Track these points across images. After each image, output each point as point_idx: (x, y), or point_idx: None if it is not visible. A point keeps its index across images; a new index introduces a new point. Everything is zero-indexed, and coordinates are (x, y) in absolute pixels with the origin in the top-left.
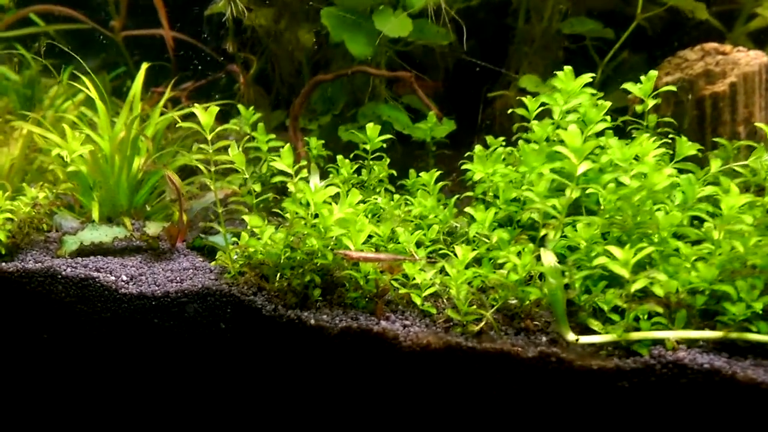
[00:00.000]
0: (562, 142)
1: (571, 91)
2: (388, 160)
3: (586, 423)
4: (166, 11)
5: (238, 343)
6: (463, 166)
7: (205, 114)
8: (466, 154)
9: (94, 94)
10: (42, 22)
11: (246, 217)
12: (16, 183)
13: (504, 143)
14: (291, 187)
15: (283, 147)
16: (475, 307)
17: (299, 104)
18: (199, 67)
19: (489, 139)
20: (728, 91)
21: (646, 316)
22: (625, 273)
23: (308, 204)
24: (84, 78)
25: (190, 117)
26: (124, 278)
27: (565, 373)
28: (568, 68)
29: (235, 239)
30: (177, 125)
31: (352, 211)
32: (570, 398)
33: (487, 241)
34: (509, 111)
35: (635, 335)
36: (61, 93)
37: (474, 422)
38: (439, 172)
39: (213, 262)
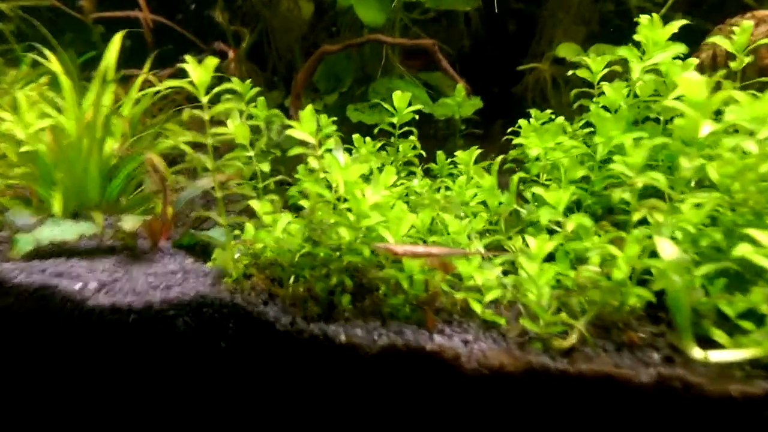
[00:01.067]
0: (640, 107)
1: (658, 42)
2: (416, 134)
3: None
4: None
5: (245, 368)
6: (515, 141)
7: (200, 69)
8: (509, 130)
9: (57, 68)
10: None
11: (254, 204)
12: None
13: (552, 116)
14: (313, 163)
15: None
16: (563, 314)
17: (302, 80)
18: (183, 45)
19: (534, 112)
20: None
21: None
22: None
23: (333, 186)
24: (49, 54)
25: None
26: (93, 286)
27: (692, 402)
28: (654, 15)
29: (238, 232)
30: (158, 102)
31: (389, 194)
32: None
33: (558, 229)
34: (570, 73)
35: None
36: (21, 77)
37: None
38: (479, 151)
39: (209, 263)
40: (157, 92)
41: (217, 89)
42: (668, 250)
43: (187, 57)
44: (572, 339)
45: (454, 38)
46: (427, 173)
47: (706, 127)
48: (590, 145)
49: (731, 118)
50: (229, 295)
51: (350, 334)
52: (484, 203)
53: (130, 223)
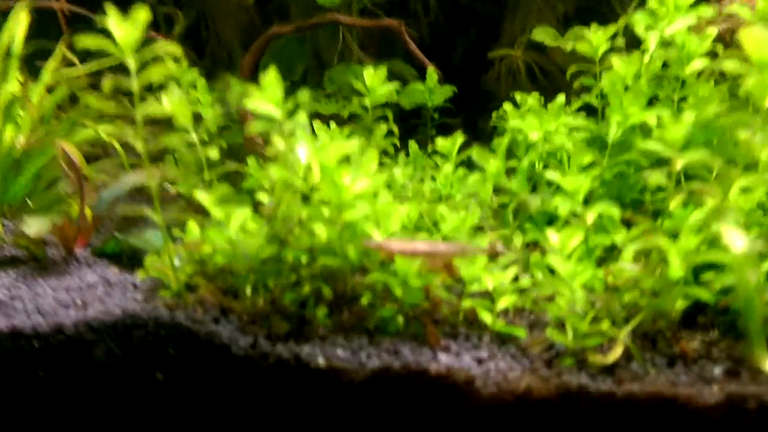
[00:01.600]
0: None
1: (680, 5)
2: (391, 117)
3: None
4: None
5: (190, 406)
6: (511, 124)
7: (126, 25)
8: (494, 115)
9: None
10: None
11: (199, 194)
12: None
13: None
14: (278, 143)
15: None
16: (606, 323)
17: (248, 65)
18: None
19: (519, 95)
20: None
21: None
22: None
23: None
24: None
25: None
26: None
27: None
28: None
29: (179, 233)
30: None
31: (373, 183)
32: None
33: (575, 221)
34: (571, 48)
35: None
36: None
37: None
38: (462, 138)
39: (140, 273)
40: (78, 78)
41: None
42: (738, 241)
43: (109, 8)
44: (616, 353)
45: (412, 24)
46: None
47: None
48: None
49: None
50: (168, 313)
51: (331, 356)
52: (473, 195)
53: (35, 226)
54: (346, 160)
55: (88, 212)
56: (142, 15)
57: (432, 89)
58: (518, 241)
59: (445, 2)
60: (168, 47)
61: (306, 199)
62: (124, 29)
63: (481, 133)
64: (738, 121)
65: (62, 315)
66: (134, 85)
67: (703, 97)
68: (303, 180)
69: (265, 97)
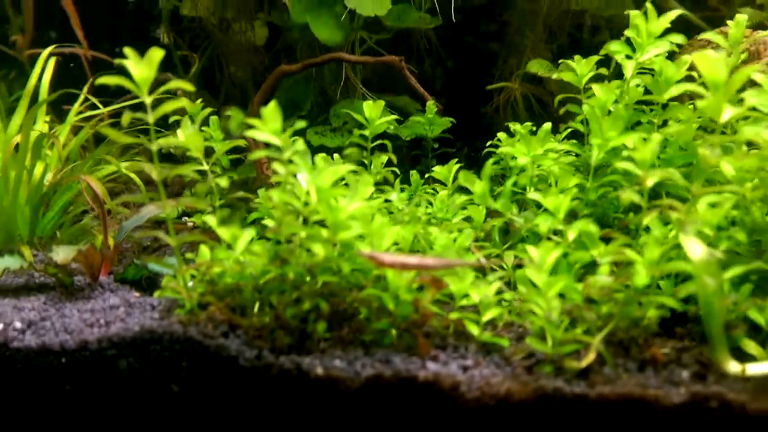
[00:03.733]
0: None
1: (653, 33)
2: (390, 147)
3: None
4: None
5: (202, 414)
6: (499, 151)
7: (142, 63)
8: (488, 143)
9: None
10: None
11: (208, 218)
12: None
13: (533, 128)
14: (279, 169)
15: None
16: (578, 330)
17: (259, 103)
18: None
19: (513, 125)
20: None
21: None
22: None
23: (300, 197)
24: None
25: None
26: (18, 325)
27: (733, 422)
28: (648, 4)
29: (191, 256)
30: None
31: (367, 205)
32: None
33: (558, 240)
34: (556, 75)
35: None
36: None
37: None
38: (459, 165)
39: (157, 292)
40: (101, 120)
41: (162, 88)
42: (697, 250)
43: (127, 50)
44: (589, 358)
45: (414, 62)
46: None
47: (728, 112)
48: (579, 155)
49: (753, 102)
50: (182, 328)
51: (329, 366)
52: (468, 219)
53: (62, 254)
54: (343, 185)
55: (111, 241)
56: (155, 55)
57: (432, 121)
58: (509, 259)
59: (448, 41)
60: (180, 83)
61: (306, 221)
62: (140, 68)
63: (483, 161)
64: (705, 142)
65: (87, 333)
66: (150, 118)
67: (683, 121)
68: (302, 202)
69: (266, 127)
